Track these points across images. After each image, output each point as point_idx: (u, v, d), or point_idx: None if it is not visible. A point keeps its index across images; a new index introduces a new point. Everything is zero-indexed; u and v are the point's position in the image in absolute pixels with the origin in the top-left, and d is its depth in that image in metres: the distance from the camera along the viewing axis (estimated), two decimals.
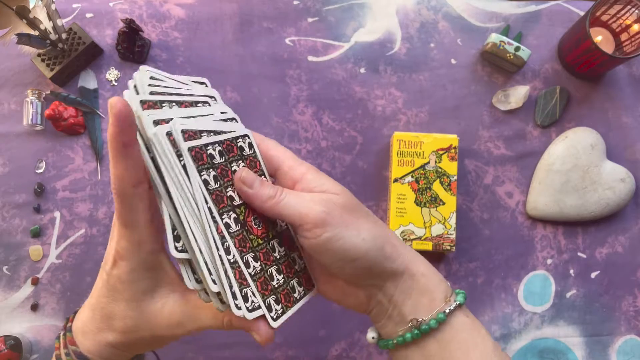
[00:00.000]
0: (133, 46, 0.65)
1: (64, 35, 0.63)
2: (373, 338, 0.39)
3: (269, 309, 0.34)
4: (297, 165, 0.36)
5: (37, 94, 0.64)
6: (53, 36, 0.60)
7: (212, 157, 0.34)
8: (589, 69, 0.65)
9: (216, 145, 0.35)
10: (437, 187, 0.62)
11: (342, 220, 0.33)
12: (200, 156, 0.33)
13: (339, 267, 0.35)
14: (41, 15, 0.58)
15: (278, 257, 0.37)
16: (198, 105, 0.37)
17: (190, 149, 0.32)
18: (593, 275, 0.66)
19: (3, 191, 0.64)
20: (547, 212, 0.64)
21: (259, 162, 0.38)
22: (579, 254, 0.66)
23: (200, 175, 0.32)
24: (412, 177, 0.62)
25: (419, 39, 0.68)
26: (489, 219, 0.66)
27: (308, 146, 0.66)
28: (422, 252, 0.62)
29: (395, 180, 0.62)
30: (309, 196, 0.34)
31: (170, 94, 0.36)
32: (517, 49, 0.64)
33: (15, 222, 0.64)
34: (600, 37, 0.66)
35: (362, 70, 0.68)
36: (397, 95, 0.67)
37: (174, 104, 0.35)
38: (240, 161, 0.36)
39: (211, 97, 0.39)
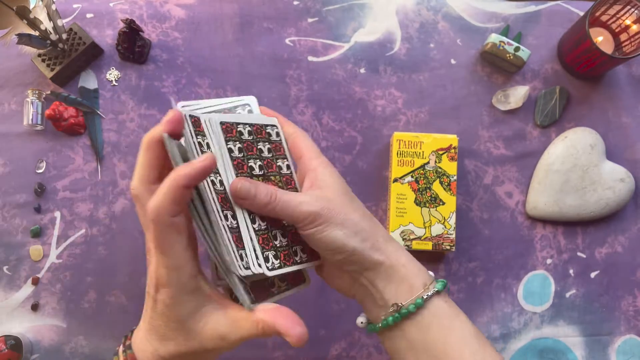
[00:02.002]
0: (133, 46, 0.65)
1: (64, 36, 0.63)
2: (362, 323, 0.43)
3: (266, 259, 0.38)
4: (313, 159, 0.42)
5: (38, 94, 0.64)
6: (53, 36, 0.61)
7: (240, 133, 0.41)
8: (588, 69, 0.65)
9: (246, 126, 0.41)
10: (436, 187, 0.62)
11: (328, 219, 0.38)
12: (229, 130, 0.40)
13: (324, 255, 0.40)
14: (41, 15, 0.58)
15: (285, 224, 0.41)
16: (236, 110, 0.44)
17: (222, 123, 0.40)
18: (593, 275, 0.66)
19: (3, 191, 0.64)
20: (546, 212, 0.64)
21: (283, 147, 0.44)
22: (579, 253, 0.66)
23: (227, 143, 0.39)
24: (412, 177, 0.62)
25: (419, 39, 0.68)
26: (489, 219, 0.66)
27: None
28: (422, 252, 0.63)
29: (395, 180, 0.62)
30: (302, 197, 0.39)
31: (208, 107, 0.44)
32: (517, 49, 0.64)
33: (16, 222, 0.64)
34: (600, 38, 0.66)
35: (362, 71, 0.68)
36: (397, 95, 0.67)
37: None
38: (267, 143, 0.42)
39: (246, 104, 0.45)
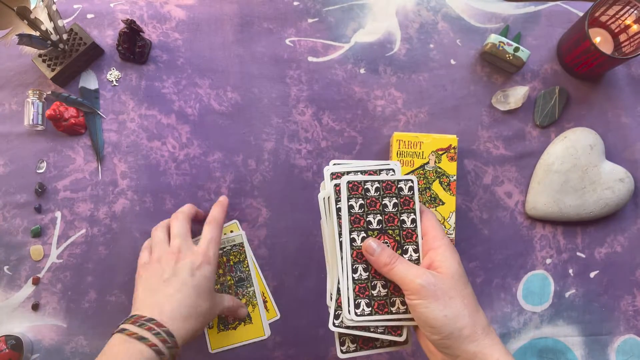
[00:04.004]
0: (134, 47, 0.65)
1: (64, 36, 0.63)
2: None
3: (357, 306, 0.45)
4: (438, 239, 0.46)
5: (38, 95, 0.64)
6: (54, 37, 0.61)
7: (367, 190, 0.46)
8: (588, 70, 0.65)
9: (375, 183, 0.47)
10: (436, 187, 0.62)
11: (433, 295, 0.42)
12: (355, 188, 0.46)
13: (422, 329, 0.44)
14: (42, 15, 0.59)
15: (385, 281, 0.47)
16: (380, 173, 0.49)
17: (348, 182, 0.46)
18: (592, 274, 0.66)
19: (4, 191, 0.65)
20: (546, 212, 0.64)
21: (414, 201, 0.48)
22: (578, 253, 0.66)
23: (348, 201, 0.45)
24: None
25: (419, 39, 0.68)
26: (489, 219, 0.66)
27: (308, 146, 0.66)
28: None
29: None
30: (416, 269, 0.44)
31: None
32: (517, 49, 0.64)
33: (16, 222, 0.64)
34: (599, 38, 0.66)
35: (362, 71, 0.68)
36: (397, 95, 0.67)
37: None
38: (394, 198, 0.47)
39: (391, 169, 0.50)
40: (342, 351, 0.46)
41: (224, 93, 0.67)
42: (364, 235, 0.46)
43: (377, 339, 0.47)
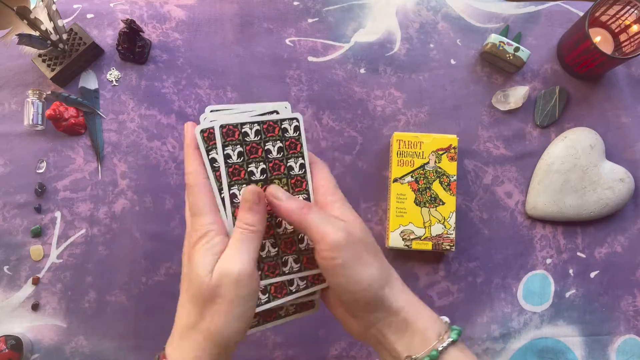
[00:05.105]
0: (134, 47, 0.65)
1: (64, 36, 0.63)
2: None
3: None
4: (330, 193, 0.40)
5: (38, 94, 0.64)
6: (54, 37, 0.61)
7: (245, 134, 0.38)
8: (588, 69, 0.65)
9: (255, 125, 0.39)
10: (436, 187, 0.62)
11: (355, 252, 0.36)
12: (231, 132, 0.38)
13: (342, 292, 0.37)
14: (42, 15, 0.59)
15: (282, 232, 0.40)
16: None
17: (222, 126, 0.37)
18: (592, 275, 0.66)
19: (4, 191, 0.65)
20: (546, 212, 0.64)
21: (301, 144, 0.41)
22: (579, 253, 0.66)
23: (224, 149, 0.37)
24: (412, 177, 0.62)
25: (419, 39, 0.68)
26: (489, 219, 0.66)
27: (308, 146, 0.66)
28: (422, 252, 0.63)
29: (395, 180, 0.62)
30: (334, 220, 0.37)
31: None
32: (517, 49, 0.64)
33: (16, 222, 0.64)
34: (600, 38, 0.66)
35: (362, 71, 0.68)
36: (397, 95, 0.67)
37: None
38: (279, 141, 0.40)
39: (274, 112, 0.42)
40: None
41: (224, 93, 0.67)
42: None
43: (281, 308, 0.41)
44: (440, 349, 0.36)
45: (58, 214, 0.64)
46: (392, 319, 0.38)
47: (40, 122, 0.65)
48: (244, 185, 0.38)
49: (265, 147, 0.39)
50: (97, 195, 0.65)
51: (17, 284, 0.63)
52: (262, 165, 0.39)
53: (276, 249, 0.39)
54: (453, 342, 0.37)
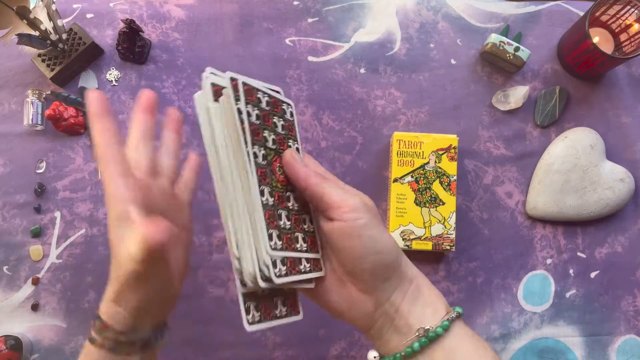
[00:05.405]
0: (133, 46, 0.65)
1: (64, 36, 0.63)
2: (375, 357, 0.40)
3: (270, 237, 0.35)
4: (327, 175, 0.40)
5: (38, 94, 0.64)
6: (53, 36, 0.61)
7: (259, 100, 0.37)
8: (588, 69, 0.65)
9: (266, 95, 0.38)
10: (436, 187, 0.62)
11: (374, 216, 0.37)
12: (250, 93, 0.36)
13: (362, 257, 0.36)
14: (41, 15, 0.59)
15: (291, 207, 0.38)
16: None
17: (244, 84, 0.36)
18: (592, 275, 0.66)
19: (4, 191, 0.65)
20: (546, 212, 0.64)
21: (295, 130, 0.41)
22: (579, 253, 0.66)
23: (246, 106, 0.35)
24: (412, 177, 0.62)
25: (419, 39, 0.68)
26: (489, 219, 0.66)
27: (308, 146, 0.66)
28: (422, 252, 0.63)
29: (395, 180, 0.62)
30: (348, 188, 0.38)
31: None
32: (517, 49, 0.64)
33: (16, 222, 0.64)
34: (600, 38, 0.66)
35: (362, 71, 0.68)
36: (397, 95, 0.67)
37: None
38: (282, 120, 0.39)
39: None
40: (249, 321, 0.35)
41: None
42: (264, 153, 0.36)
43: (276, 307, 0.38)
44: (450, 319, 0.37)
45: (58, 214, 0.64)
46: (407, 287, 0.38)
47: (39, 122, 0.64)
48: (262, 149, 0.36)
49: (273, 120, 0.38)
50: (97, 195, 0.65)
51: (17, 284, 0.63)
52: (272, 136, 0.38)
53: (290, 222, 0.37)
54: (459, 315, 0.38)
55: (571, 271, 0.66)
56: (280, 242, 0.35)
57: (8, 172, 0.65)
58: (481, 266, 0.65)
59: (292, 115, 0.41)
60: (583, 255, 0.66)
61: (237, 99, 0.35)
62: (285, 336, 0.63)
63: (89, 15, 0.67)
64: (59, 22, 0.61)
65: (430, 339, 0.36)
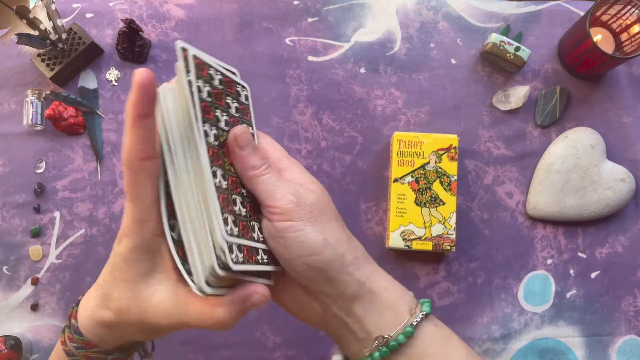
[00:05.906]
0: (133, 46, 0.65)
1: (64, 35, 0.63)
2: None
3: (225, 222, 0.31)
4: (284, 157, 0.37)
5: (37, 94, 0.64)
6: (53, 36, 0.61)
7: (211, 77, 0.34)
8: (589, 69, 0.65)
9: (218, 73, 0.35)
10: (437, 187, 0.62)
11: (309, 216, 0.33)
12: (201, 67, 0.33)
13: (292, 259, 0.33)
14: (41, 15, 0.58)
15: (245, 194, 0.35)
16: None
17: (195, 57, 0.33)
18: (593, 275, 0.66)
19: (3, 191, 0.64)
20: (547, 212, 0.64)
21: (250, 114, 0.38)
22: (579, 254, 0.66)
23: (197, 80, 0.32)
24: (412, 177, 0.62)
25: (419, 39, 0.68)
26: (489, 219, 0.66)
27: (308, 146, 0.66)
28: (422, 252, 0.63)
29: (395, 180, 0.62)
30: (288, 184, 0.34)
31: None
32: (517, 49, 0.64)
33: (15, 222, 0.64)
34: (600, 37, 0.66)
35: (362, 70, 0.68)
36: (397, 95, 0.67)
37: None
38: (236, 102, 0.36)
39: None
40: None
41: None
42: (216, 133, 0.33)
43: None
44: (414, 323, 0.33)
45: (57, 214, 0.64)
46: (356, 290, 0.34)
47: (39, 122, 0.64)
48: (214, 128, 0.33)
49: (226, 100, 0.35)
50: (97, 195, 0.65)
51: (17, 284, 0.63)
52: (225, 116, 0.34)
53: (245, 209, 0.34)
54: (426, 316, 0.34)
55: (572, 271, 0.65)
56: (237, 229, 0.32)
57: (7, 172, 0.65)
58: (481, 266, 0.65)
59: (247, 98, 0.38)
60: (583, 256, 0.66)
61: (187, 71, 0.32)
62: (285, 336, 0.63)
63: (88, 15, 0.67)
64: (59, 22, 0.61)
65: (392, 348, 0.33)
